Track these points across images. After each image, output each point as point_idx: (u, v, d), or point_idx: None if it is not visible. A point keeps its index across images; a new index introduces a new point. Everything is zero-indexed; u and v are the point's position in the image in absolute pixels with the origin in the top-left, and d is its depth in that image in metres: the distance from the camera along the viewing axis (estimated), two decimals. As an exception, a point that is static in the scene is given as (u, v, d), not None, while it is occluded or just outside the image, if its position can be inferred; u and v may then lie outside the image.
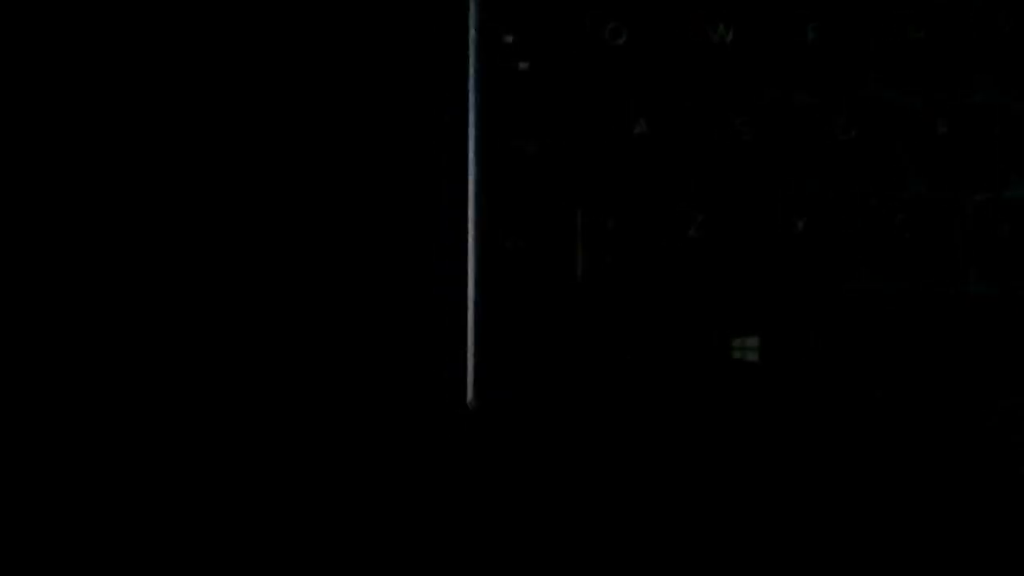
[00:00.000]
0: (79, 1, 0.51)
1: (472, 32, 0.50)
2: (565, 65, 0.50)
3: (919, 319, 0.49)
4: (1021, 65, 0.50)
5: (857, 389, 0.49)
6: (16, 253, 0.51)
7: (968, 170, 0.49)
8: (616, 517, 0.50)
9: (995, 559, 0.50)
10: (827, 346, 0.49)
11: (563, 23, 0.50)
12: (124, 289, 0.51)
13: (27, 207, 0.51)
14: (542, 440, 0.51)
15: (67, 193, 0.51)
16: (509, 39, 0.50)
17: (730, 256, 0.49)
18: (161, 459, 0.50)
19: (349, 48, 0.52)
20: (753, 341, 0.49)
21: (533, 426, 0.50)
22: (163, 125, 0.51)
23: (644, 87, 0.50)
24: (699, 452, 0.50)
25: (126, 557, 0.50)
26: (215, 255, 0.51)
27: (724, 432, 0.50)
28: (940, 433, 0.50)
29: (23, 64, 0.51)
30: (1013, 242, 0.49)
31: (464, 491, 0.51)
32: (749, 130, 0.50)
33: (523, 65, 0.50)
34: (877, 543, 0.50)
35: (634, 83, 0.50)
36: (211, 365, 0.51)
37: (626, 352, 0.49)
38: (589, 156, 0.50)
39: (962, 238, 0.49)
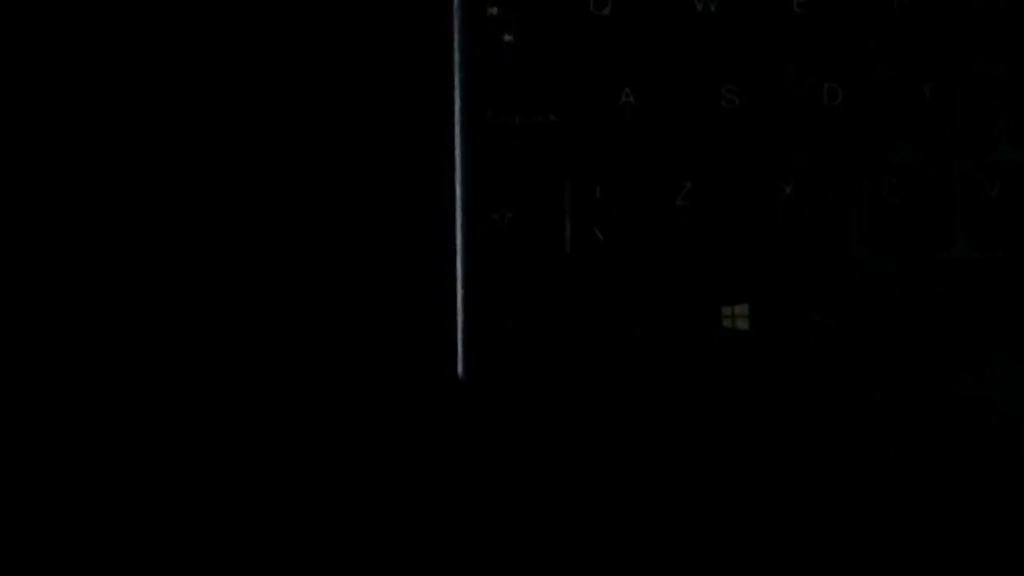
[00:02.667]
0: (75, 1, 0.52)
1: (456, 5, 0.50)
2: (550, 36, 0.50)
3: (907, 282, 0.49)
4: (1004, 31, 0.50)
5: (847, 356, 0.49)
6: (16, 253, 0.51)
7: (954, 135, 0.50)
8: (606, 489, 0.51)
9: (989, 521, 0.51)
10: (816, 314, 0.49)
11: (547, -5, 0.50)
12: (123, 284, 0.51)
13: (27, 207, 0.51)
14: (533, 411, 0.51)
15: (60, 194, 0.51)
16: (493, 11, 0.50)
17: (718, 224, 0.49)
18: (164, 442, 0.51)
19: (332, 23, 0.52)
20: (743, 309, 0.49)
21: (523, 398, 0.50)
22: (157, 124, 0.51)
23: (629, 57, 0.50)
24: (690, 423, 0.51)
25: (117, 548, 0.50)
26: (210, 239, 0.51)
27: (715, 400, 0.50)
28: (931, 399, 0.50)
29: (23, 64, 0.51)
30: (999, 205, 0.49)
31: (455, 462, 0.51)
32: (735, 98, 0.49)
33: (508, 37, 0.50)
34: (866, 515, 0.51)
35: (619, 53, 0.50)
36: (208, 344, 0.51)
37: (617, 325, 0.49)
38: (575, 127, 0.50)
39: (949, 202, 0.49)
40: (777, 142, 0.49)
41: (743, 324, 0.49)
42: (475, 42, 0.49)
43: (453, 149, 0.49)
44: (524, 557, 0.50)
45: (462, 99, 0.50)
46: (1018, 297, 0.49)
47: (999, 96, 0.50)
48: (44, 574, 0.50)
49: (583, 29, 0.50)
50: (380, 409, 0.51)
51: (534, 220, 0.49)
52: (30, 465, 0.50)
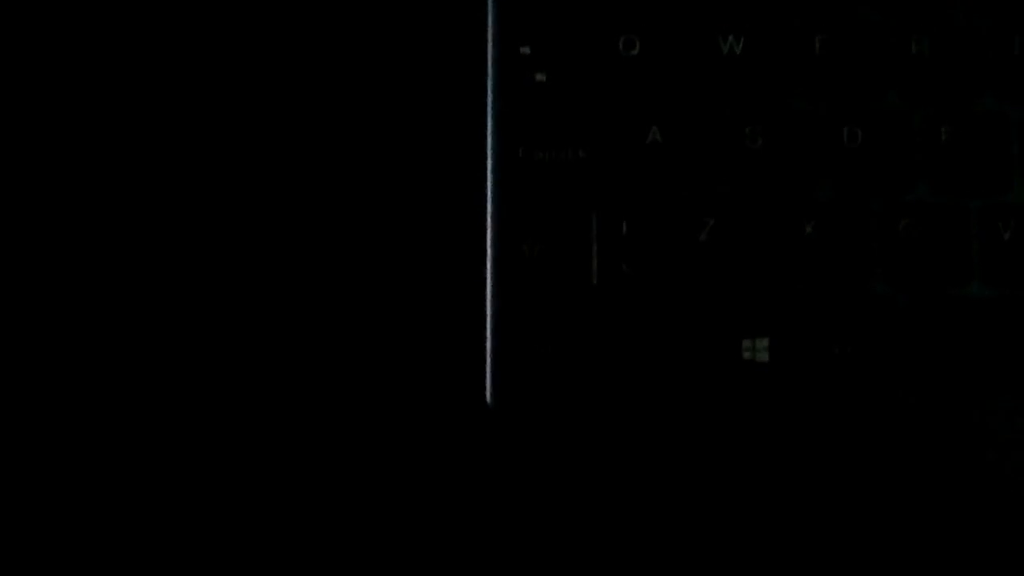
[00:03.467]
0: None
1: (490, 44, 0.51)
2: (580, 76, 0.51)
3: (923, 320, 0.51)
4: (1020, 73, 0.51)
5: (865, 389, 0.50)
6: (17, 253, 0.52)
7: (970, 176, 0.51)
8: (627, 515, 0.52)
9: (995, 560, 0.52)
10: (835, 347, 0.50)
11: (578, 35, 0.51)
12: (144, 303, 0.52)
13: (33, 208, 0.52)
14: (559, 440, 0.52)
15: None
16: (526, 51, 0.51)
17: (740, 260, 0.51)
18: (190, 461, 0.52)
19: (372, 62, 0.53)
20: (763, 342, 0.51)
21: (550, 426, 0.52)
22: (203, 140, 0.53)
23: (657, 97, 0.51)
24: (711, 451, 0.52)
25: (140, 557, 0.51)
26: (254, 266, 0.52)
27: (735, 430, 0.51)
28: (944, 433, 0.51)
29: (23, 64, 0.52)
30: (1014, 246, 0.51)
31: (482, 488, 0.52)
32: (758, 138, 0.51)
33: (540, 76, 0.51)
34: (880, 543, 0.52)
35: (647, 93, 0.51)
36: (237, 365, 0.52)
37: (641, 355, 0.50)
38: (603, 164, 0.51)
39: (965, 242, 0.51)
40: (799, 180, 0.51)
41: (763, 357, 0.51)
42: (508, 80, 0.51)
43: (485, 183, 0.51)
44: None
45: (494, 135, 0.51)
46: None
47: (1013, 137, 0.51)
48: (44, 574, 0.51)
49: (612, 69, 0.51)
50: (410, 434, 0.52)
51: (562, 252, 0.51)
52: (34, 465, 0.51)
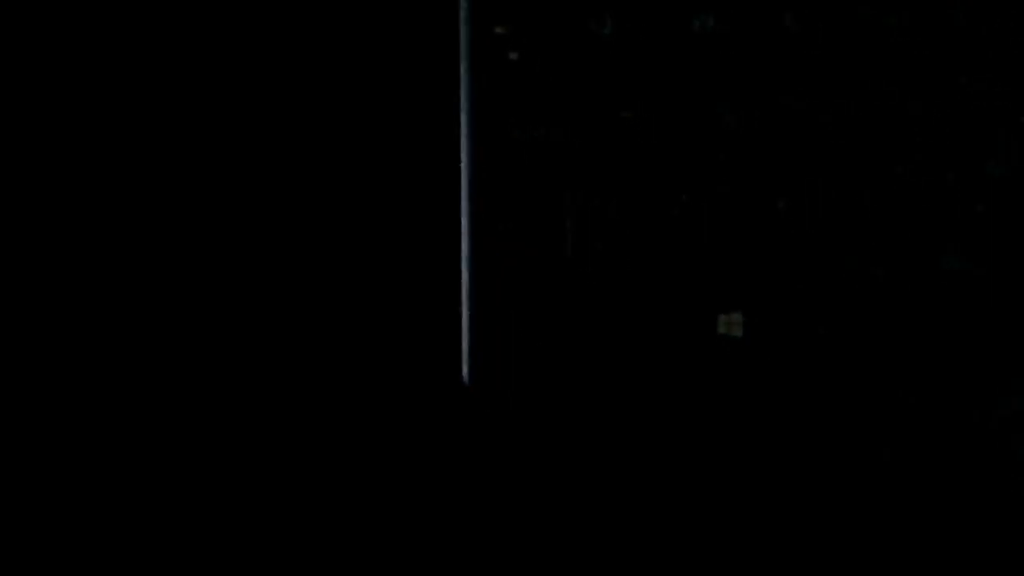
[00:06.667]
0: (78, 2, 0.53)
1: (463, 24, 0.52)
2: (554, 54, 0.52)
3: (895, 291, 0.50)
4: (995, 54, 0.51)
5: (838, 361, 0.50)
6: (18, 253, 0.52)
7: (943, 150, 0.51)
8: (602, 488, 0.52)
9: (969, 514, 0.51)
10: (807, 320, 0.50)
11: (551, 15, 0.52)
12: (153, 286, 0.53)
13: (33, 208, 0.53)
14: (535, 413, 0.52)
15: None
16: (499, 30, 0.52)
17: (713, 235, 0.51)
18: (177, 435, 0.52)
19: (345, 43, 0.54)
20: (738, 317, 0.51)
21: (527, 399, 0.52)
22: (165, 126, 0.53)
23: (629, 74, 0.52)
24: (685, 423, 0.52)
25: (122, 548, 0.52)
26: (218, 249, 0.53)
27: (709, 403, 0.52)
28: (913, 404, 0.51)
29: (24, 64, 0.53)
30: (987, 218, 0.50)
31: (460, 461, 0.52)
32: (731, 115, 0.51)
33: (513, 55, 0.52)
34: (854, 518, 0.52)
35: (620, 70, 0.52)
36: (220, 340, 0.52)
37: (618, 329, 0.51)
38: (577, 141, 0.51)
39: (938, 215, 0.51)
40: (773, 157, 0.51)
41: (737, 331, 0.51)
42: (482, 59, 0.51)
43: (459, 161, 0.51)
44: (526, 556, 0.52)
45: (468, 114, 0.51)
46: (1005, 307, 0.50)
47: (987, 113, 0.51)
48: (44, 574, 0.51)
49: (585, 47, 0.51)
50: (387, 410, 0.52)
51: (537, 229, 0.51)
52: (35, 465, 0.51)
